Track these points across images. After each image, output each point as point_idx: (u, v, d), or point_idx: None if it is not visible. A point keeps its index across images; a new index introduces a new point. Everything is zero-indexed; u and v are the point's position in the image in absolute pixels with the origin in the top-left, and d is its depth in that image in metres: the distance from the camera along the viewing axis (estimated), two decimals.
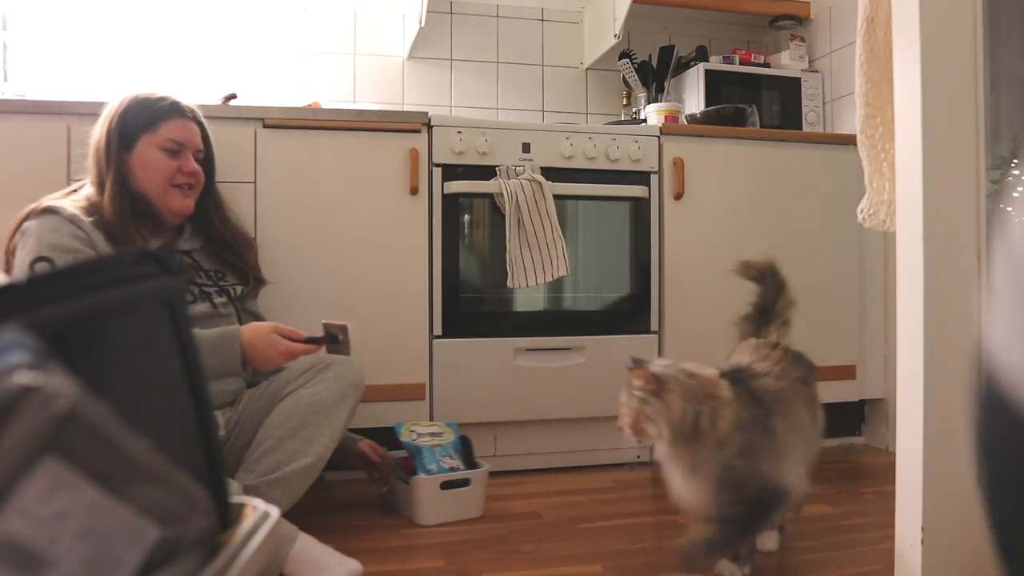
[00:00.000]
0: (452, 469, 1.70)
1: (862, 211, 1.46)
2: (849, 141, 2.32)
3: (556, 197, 2.07)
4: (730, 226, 2.25)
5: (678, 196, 2.20)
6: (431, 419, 1.99)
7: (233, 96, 2.16)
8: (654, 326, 2.20)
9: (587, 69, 2.89)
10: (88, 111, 1.85)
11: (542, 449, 2.15)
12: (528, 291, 2.10)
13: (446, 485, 1.66)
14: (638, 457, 1.75)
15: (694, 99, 2.66)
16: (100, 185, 1.52)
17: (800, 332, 2.28)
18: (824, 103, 2.75)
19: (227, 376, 1.49)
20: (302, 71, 2.64)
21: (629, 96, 2.79)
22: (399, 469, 1.74)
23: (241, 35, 2.58)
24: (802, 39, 2.79)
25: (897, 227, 1.23)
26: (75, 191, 1.57)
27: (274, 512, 0.60)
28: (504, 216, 2.03)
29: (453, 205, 2.05)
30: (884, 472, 2.10)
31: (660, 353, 2.19)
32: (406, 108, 2.71)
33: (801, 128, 2.70)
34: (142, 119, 1.55)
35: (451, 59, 2.78)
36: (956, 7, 1.20)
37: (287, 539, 1.36)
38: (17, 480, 0.36)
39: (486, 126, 2.09)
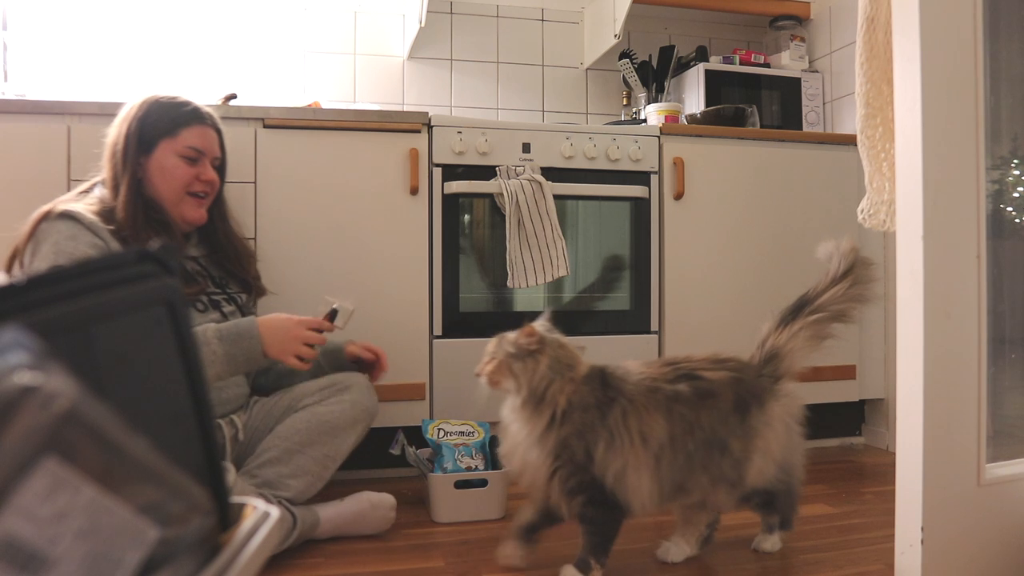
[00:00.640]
0: (470, 469, 1.69)
1: (862, 211, 1.46)
2: (849, 141, 2.32)
3: (556, 197, 2.07)
4: (730, 226, 2.25)
5: (678, 196, 2.20)
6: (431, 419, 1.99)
7: (233, 96, 2.16)
8: (654, 326, 2.20)
9: (587, 69, 2.89)
10: (88, 111, 1.86)
11: None
12: (528, 291, 2.10)
13: (461, 484, 1.66)
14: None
15: (694, 99, 2.66)
16: (115, 188, 1.49)
17: None
18: (824, 103, 2.75)
19: (249, 368, 1.46)
20: (302, 71, 2.64)
21: (629, 96, 2.80)
22: (429, 462, 1.76)
23: (241, 35, 2.58)
24: (802, 39, 2.79)
25: (897, 227, 1.23)
26: (86, 191, 1.54)
27: (274, 512, 0.60)
28: (504, 216, 2.03)
29: (453, 205, 2.05)
30: (884, 472, 2.10)
31: (660, 353, 2.19)
32: (406, 108, 2.71)
33: (801, 128, 2.70)
34: (162, 124, 1.52)
35: (451, 59, 2.78)
36: (956, 7, 1.20)
37: (313, 526, 1.49)
38: (17, 480, 0.36)
39: (486, 126, 2.09)
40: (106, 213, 1.46)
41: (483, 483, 1.69)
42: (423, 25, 2.45)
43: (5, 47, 2.34)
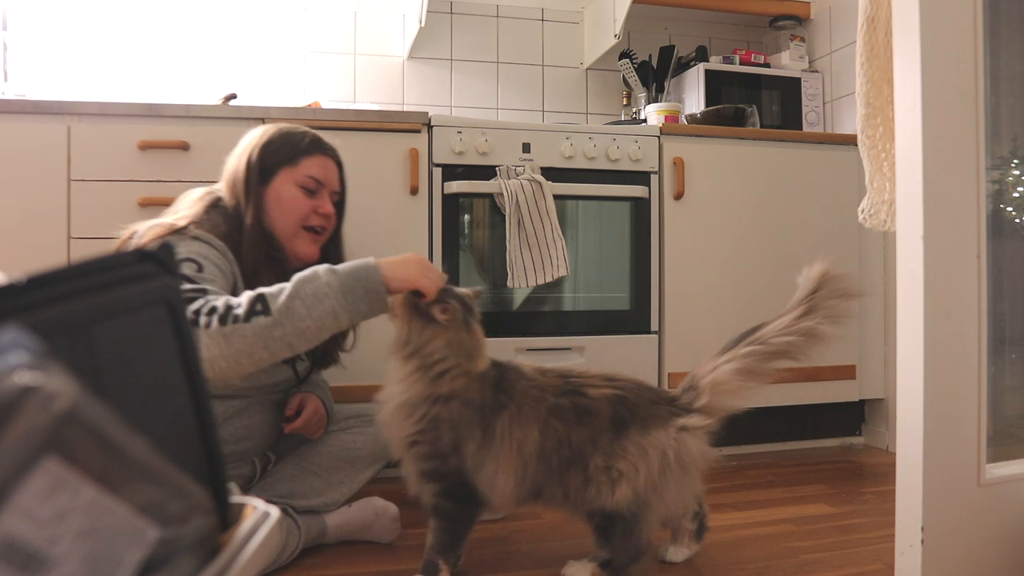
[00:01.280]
0: None
1: (862, 211, 1.46)
2: (849, 141, 2.32)
3: (556, 197, 2.07)
4: (730, 226, 2.25)
5: (678, 196, 2.20)
6: None
7: (233, 96, 2.16)
8: (654, 326, 2.20)
9: (587, 69, 2.89)
10: (88, 111, 1.86)
11: None
12: (528, 291, 2.10)
13: None
14: None
15: (694, 99, 2.66)
16: (234, 219, 1.41)
17: None
18: (824, 103, 2.75)
19: (370, 309, 1.22)
20: (302, 71, 2.64)
21: (629, 96, 2.80)
22: None
23: (241, 35, 2.58)
24: (802, 39, 2.79)
25: (897, 227, 1.23)
26: (204, 206, 1.41)
27: (274, 512, 0.60)
28: (504, 216, 2.03)
29: (453, 205, 2.05)
30: (884, 472, 2.11)
31: (660, 353, 2.19)
32: (406, 108, 2.71)
33: (801, 128, 2.70)
34: (283, 152, 1.45)
35: (451, 59, 2.78)
36: (956, 7, 1.20)
37: (320, 535, 1.48)
38: (17, 480, 0.36)
39: (486, 126, 2.09)
40: (229, 241, 1.38)
41: None
42: (423, 25, 2.45)
43: (5, 47, 2.34)
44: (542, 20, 2.87)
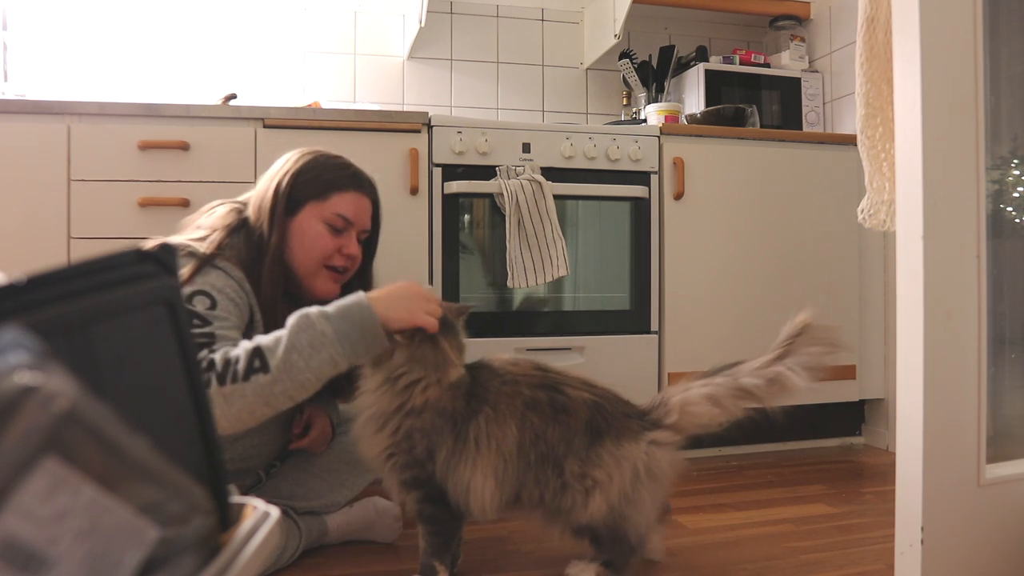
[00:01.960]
0: None
1: (862, 211, 1.46)
2: (849, 141, 2.32)
3: (556, 197, 2.07)
4: (730, 226, 2.25)
5: (678, 196, 2.20)
6: None
7: (233, 96, 2.16)
8: (654, 326, 2.20)
9: (587, 69, 2.89)
10: (88, 111, 1.86)
11: None
12: (528, 291, 2.10)
13: None
14: None
15: (694, 99, 2.66)
16: (256, 245, 1.36)
17: None
18: (824, 103, 2.75)
19: (370, 348, 1.18)
20: (302, 71, 2.64)
21: (629, 96, 2.80)
22: None
23: (241, 35, 2.58)
24: (802, 39, 2.79)
25: (897, 227, 1.23)
26: (225, 227, 1.36)
27: (274, 512, 0.60)
28: (504, 216, 2.03)
29: (453, 205, 2.05)
30: (884, 472, 2.11)
31: (660, 353, 2.19)
32: (406, 108, 2.71)
33: (801, 128, 2.70)
34: (313, 186, 1.38)
35: (451, 59, 2.78)
36: (956, 7, 1.20)
37: (321, 536, 1.47)
38: (17, 480, 0.36)
39: (486, 126, 2.09)
40: (247, 270, 1.33)
41: None
42: (423, 25, 2.45)
43: (5, 47, 2.34)
44: (542, 20, 2.87)
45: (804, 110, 2.72)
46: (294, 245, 1.38)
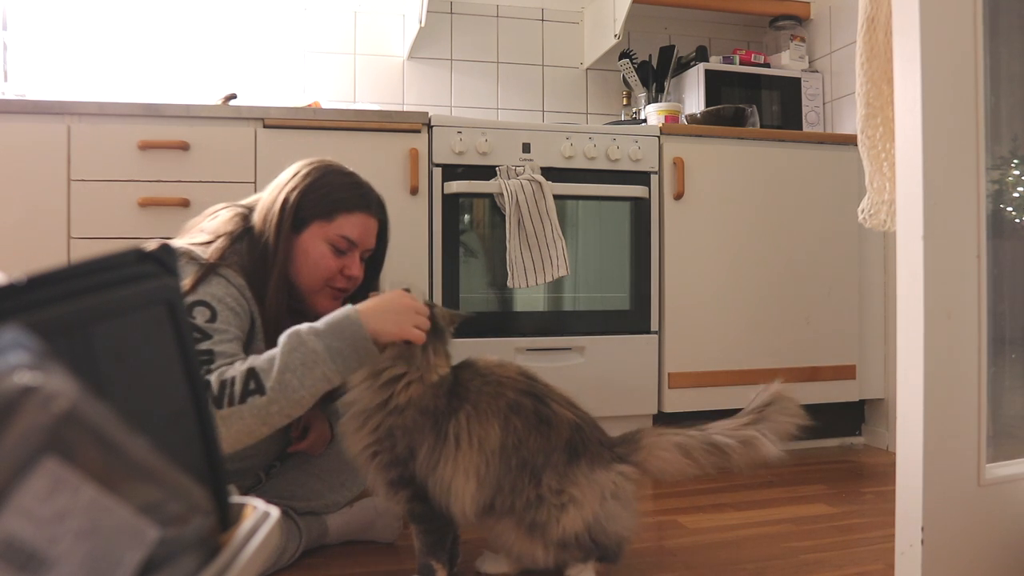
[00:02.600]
0: None
1: (862, 211, 1.46)
2: (849, 141, 2.32)
3: (556, 197, 2.07)
4: (730, 226, 2.25)
5: (678, 196, 2.20)
6: None
7: (233, 96, 2.16)
8: (654, 326, 2.20)
9: (587, 69, 2.89)
10: (88, 111, 1.86)
11: None
12: (528, 291, 2.10)
13: None
14: None
15: (694, 99, 2.66)
16: (260, 254, 1.35)
17: (801, 332, 2.29)
18: (824, 103, 2.75)
19: (362, 362, 1.19)
20: (302, 71, 2.64)
21: (629, 96, 2.80)
22: None
23: (241, 35, 2.58)
24: (802, 39, 2.79)
25: (897, 227, 1.23)
26: (229, 235, 1.35)
27: (274, 512, 0.60)
28: (504, 216, 2.03)
29: (453, 205, 2.05)
30: (884, 472, 2.11)
31: (660, 353, 2.19)
32: (406, 108, 2.71)
33: (801, 128, 2.70)
34: (321, 205, 1.37)
35: (451, 59, 2.78)
36: (956, 7, 1.20)
37: (321, 536, 1.47)
38: (17, 480, 0.36)
39: (486, 126, 2.09)
40: (250, 281, 1.33)
41: None
42: (423, 25, 2.45)
43: (5, 47, 2.34)
44: (542, 20, 2.87)
45: (804, 110, 2.72)
46: (299, 263, 1.38)
